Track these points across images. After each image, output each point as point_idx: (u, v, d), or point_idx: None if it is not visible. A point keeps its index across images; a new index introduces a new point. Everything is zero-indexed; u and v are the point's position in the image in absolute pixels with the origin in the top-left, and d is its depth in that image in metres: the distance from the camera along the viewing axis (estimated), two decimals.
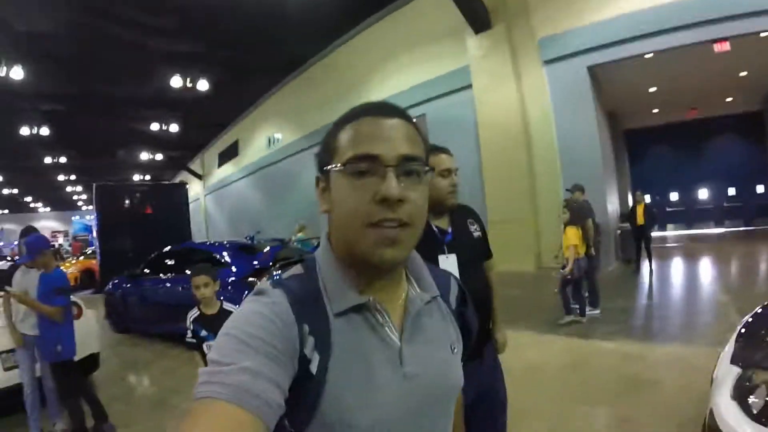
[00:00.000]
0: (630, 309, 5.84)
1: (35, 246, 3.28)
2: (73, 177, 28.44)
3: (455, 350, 0.79)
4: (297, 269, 0.75)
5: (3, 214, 39.10)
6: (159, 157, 23.85)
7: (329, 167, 0.69)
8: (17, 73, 11.76)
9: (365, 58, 12.40)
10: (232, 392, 0.55)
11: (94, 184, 13.30)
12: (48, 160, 23.10)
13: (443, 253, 1.84)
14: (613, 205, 8.98)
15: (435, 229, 1.86)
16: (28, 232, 3.94)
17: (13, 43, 11.01)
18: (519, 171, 8.78)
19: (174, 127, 18.45)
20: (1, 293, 3.59)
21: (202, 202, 26.12)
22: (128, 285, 7.13)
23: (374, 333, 0.70)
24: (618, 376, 3.75)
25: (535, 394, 3.53)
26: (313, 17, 10.56)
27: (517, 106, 8.75)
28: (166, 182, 23.11)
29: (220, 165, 23.29)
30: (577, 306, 5.42)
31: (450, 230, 1.90)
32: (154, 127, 18.27)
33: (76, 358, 3.58)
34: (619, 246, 9.15)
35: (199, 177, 26.14)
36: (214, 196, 24.41)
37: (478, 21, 8.76)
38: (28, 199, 36.96)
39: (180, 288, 5.94)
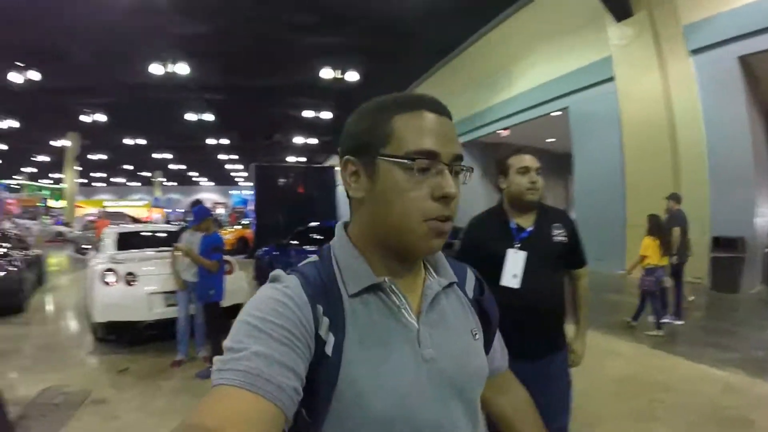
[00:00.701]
0: (755, 338, 5.59)
1: (200, 214, 4.84)
2: (233, 156, 33.59)
3: (477, 336, 0.83)
4: (313, 258, 0.80)
5: (172, 185, 47.45)
6: (312, 141, 26.74)
7: (385, 156, 0.72)
8: (183, 68, 14.94)
9: (506, 48, 12.88)
10: (243, 378, 0.58)
11: (254, 164, 16.03)
12: (211, 141, 27.80)
13: (514, 247, 2.02)
14: (765, 218, 8.36)
15: (513, 224, 2.06)
16: (197, 203, 5.36)
17: (178, 43, 13.92)
18: (663, 173, 8.67)
19: (326, 114, 20.67)
20: (171, 248, 5.18)
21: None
22: (276, 252, 9.01)
23: (391, 315, 0.73)
24: (711, 408, 3.69)
25: (615, 408, 3.70)
26: (459, 4, 11.42)
27: (662, 100, 8.65)
28: (317, 165, 25.34)
29: None
30: (655, 318, 5.80)
31: (529, 229, 2.05)
32: (308, 114, 20.72)
33: (225, 305, 4.95)
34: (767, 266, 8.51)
35: None
36: None
37: (619, 7, 8.87)
38: (193, 173, 44.32)
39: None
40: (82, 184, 41.57)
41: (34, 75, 15.23)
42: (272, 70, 16.29)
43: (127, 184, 48.33)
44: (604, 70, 9.77)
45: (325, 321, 0.69)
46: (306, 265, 0.77)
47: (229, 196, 45.45)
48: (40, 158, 32.62)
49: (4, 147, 27.48)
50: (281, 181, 15.79)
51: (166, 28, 13.09)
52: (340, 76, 15.64)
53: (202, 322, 4.93)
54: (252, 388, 0.57)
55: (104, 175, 43.33)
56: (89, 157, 31.80)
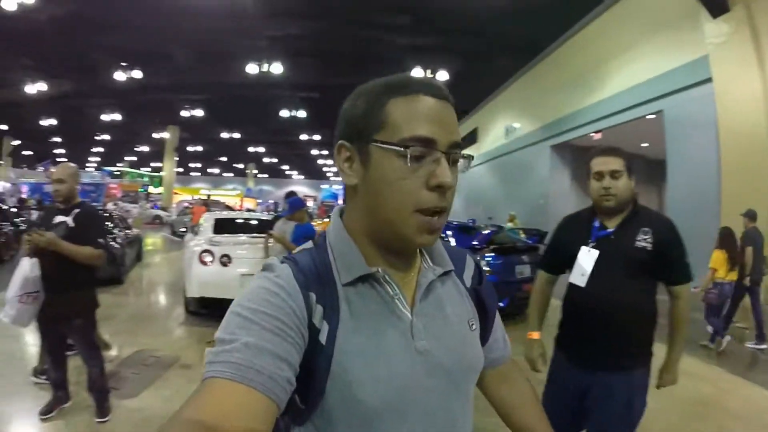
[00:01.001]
0: None
1: (295, 205, 5.50)
2: (325, 152, 35.36)
3: (473, 327, 0.85)
4: (307, 245, 0.82)
5: (265, 177, 50.79)
6: None
7: (377, 142, 0.72)
8: (277, 68, 16.20)
9: (597, 48, 12.69)
10: (235, 370, 0.59)
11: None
12: (304, 137, 29.54)
13: (588, 245, 2.02)
14: None
15: (596, 223, 2.05)
16: (291, 194, 5.96)
17: (273, 44, 15.10)
18: (763, 182, 8.30)
19: None
20: (264, 235, 5.88)
21: None
22: None
23: (384, 305, 0.75)
24: None
25: (680, 430, 3.72)
26: (549, 3, 11.50)
27: (763, 101, 8.26)
28: None
29: None
30: (714, 331, 5.79)
31: (610, 230, 2.01)
32: None
33: None
34: None
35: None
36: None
37: (715, 3, 8.55)
38: (285, 167, 47.21)
39: None
40: (179, 173, 45.66)
41: (137, 74, 17.26)
42: (363, 69, 16.73)
43: (222, 174, 52.39)
44: (701, 70, 9.41)
45: (319, 309, 0.70)
46: (301, 253, 0.79)
47: (320, 190, 47.84)
48: (141, 148, 36.47)
49: (108, 137, 31.12)
50: None
51: (261, 30, 14.32)
52: (430, 75, 15.96)
53: None
54: (244, 380, 0.58)
55: (200, 165, 47.41)
56: (187, 148, 35.17)
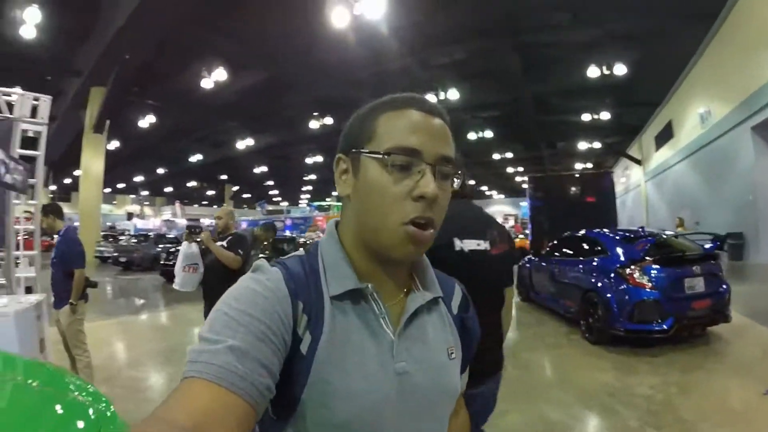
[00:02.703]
0: None
1: None
2: (520, 168, 35.24)
3: (453, 356, 0.85)
4: (299, 252, 0.83)
5: (463, 200, 52.64)
6: (596, 144, 26.49)
7: (362, 151, 0.76)
8: (453, 94, 17.17)
9: None
10: (217, 372, 0.59)
11: (528, 176, 17.02)
12: (496, 156, 30.02)
13: None
14: None
15: None
16: None
17: (444, 73, 16.19)
18: None
19: (605, 115, 20.39)
20: None
21: (642, 189, 26.60)
22: (536, 261, 9.52)
23: (368, 323, 0.76)
24: None
25: None
26: None
27: None
28: (592, 171, 24.43)
29: (657, 148, 22.80)
30: None
31: None
32: (585, 117, 20.72)
33: None
34: None
35: (638, 162, 26.50)
36: (655, 182, 24.32)
37: None
38: (484, 188, 47.95)
39: (568, 270, 7.69)
40: None
41: (328, 120, 20.07)
42: (538, 78, 17.10)
43: None
44: None
45: (304, 318, 0.71)
46: (291, 259, 0.79)
47: (519, 208, 47.32)
48: None
49: (314, 176, 37.27)
50: (556, 190, 16.22)
51: (429, 61, 15.57)
52: (607, 72, 15.29)
53: None
54: (225, 383, 0.58)
55: None
56: None
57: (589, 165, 32.45)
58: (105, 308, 9.86)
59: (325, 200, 45.01)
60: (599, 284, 6.55)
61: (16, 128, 4.49)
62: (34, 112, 4.66)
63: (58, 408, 1.83)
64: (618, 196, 29.65)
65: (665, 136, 21.29)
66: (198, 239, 4.36)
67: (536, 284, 9.21)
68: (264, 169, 33.02)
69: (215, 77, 14.89)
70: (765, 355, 5.42)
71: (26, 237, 5.04)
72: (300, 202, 49.61)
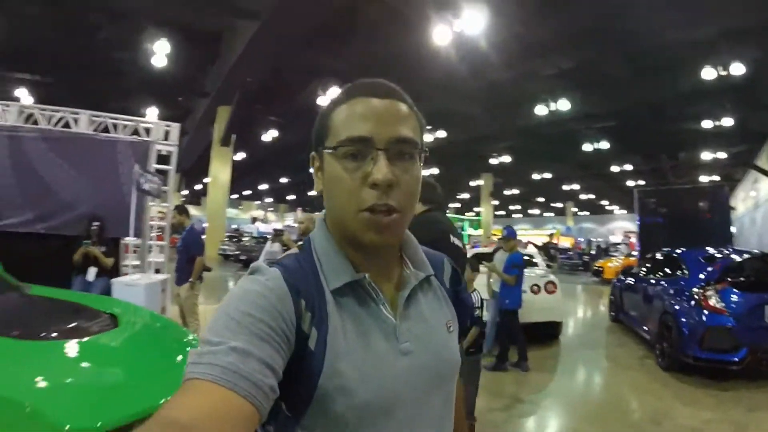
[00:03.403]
0: None
1: (507, 235, 6.60)
2: (641, 182, 33.59)
3: (451, 329, 0.90)
4: (293, 250, 0.86)
5: (585, 215, 50.38)
6: (721, 155, 24.71)
7: (321, 148, 0.80)
8: (564, 104, 17.09)
9: None
10: (219, 373, 0.59)
11: (635, 190, 16.59)
12: (614, 168, 29.25)
13: None
14: None
15: None
16: (509, 227, 6.85)
17: (553, 83, 16.20)
18: None
19: (727, 121, 19.10)
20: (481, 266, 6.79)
21: None
22: (626, 280, 9.23)
23: (369, 310, 0.79)
24: None
25: None
26: None
27: None
28: (705, 184, 22.61)
29: None
30: None
31: None
32: (706, 124, 19.51)
33: (535, 320, 6.64)
34: None
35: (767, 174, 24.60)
36: None
37: None
38: (604, 202, 46.02)
39: (649, 290, 7.46)
40: (501, 216, 50.81)
41: (441, 133, 20.82)
42: (651, 85, 16.52)
43: (543, 215, 54.18)
44: None
45: (308, 316, 0.73)
46: (288, 258, 0.82)
47: None
48: (462, 195, 42.45)
49: None
50: (665, 204, 15.60)
51: (537, 72, 15.74)
52: (723, 72, 14.28)
53: (494, 325, 6.52)
54: (228, 384, 0.59)
55: (519, 207, 50.67)
56: (504, 192, 38.44)
57: (716, 177, 30.20)
58: (221, 296, 11.69)
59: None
60: (675, 306, 6.23)
61: (152, 149, 5.94)
62: (166, 136, 6.11)
63: (170, 339, 2.98)
64: (747, 212, 27.18)
65: None
66: (281, 239, 5.49)
67: (625, 304, 8.97)
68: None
69: (330, 95, 16.27)
70: None
71: (158, 232, 6.62)
72: None
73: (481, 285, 7.13)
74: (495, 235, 38.25)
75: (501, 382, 5.84)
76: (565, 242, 35.62)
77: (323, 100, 16.36)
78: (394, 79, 0.83)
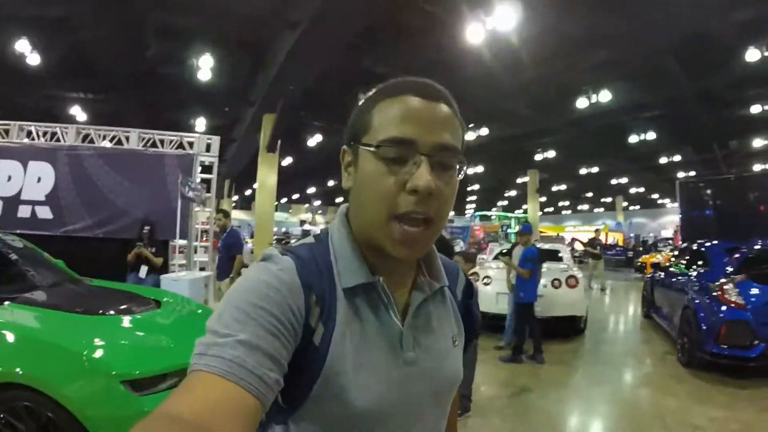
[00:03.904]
0: None
1: (523, 230, 7.03)
2: (692, 172, 32.62)
3: (456, 343, 0.90)
4: (308, 239, 0.85)
5: (636, 210, 49.33)
6: None
7: (359, 144, 0.76)
8: (606, 96, 16.98)
9: None
10: (226, 366, 0.60)
11: (678, 181, 16.27)
12: (663, 160, 28.95)
13: None
14: None
15: None
16: (526, 221, 7.35)
17: (592, 75, 16.09)
18: None
19: None
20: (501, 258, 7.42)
21: None
22: (658, 274, 9.21)
23: (378, 314, 0.79)
24: None
25: None
26: None
27: None
28: (755, 173, 21.61)
29: None
30: None
31: None
32: (756, 109, 18.94)
33: (559, 315, 7.03)
34: None
35: None
36: None
37: None
38: (655, 195, 44.99)
39: (675, 284, 7.58)
40: (550, 213, 51.63)
41: (485, 131, 20.87)
42: (697, 70, 16.13)
43: (594, 210, 53.09)
44: None
45: (317, 310, 0.73)
46: (302, 247, 0.81)
47: None
48: (510, 193, 42.67)
49: (478, 186, 38.38)
50: (711, 196, 14.99)
51: (577, 64, 15.54)
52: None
53: (512, 318, 6.90)
54: (233, 378, 0.59)
55: (568, 203, 50.39)
56: (552, 188, 38.41)
57: None
58: None
59: (490, 210, 46.10)
60: (696, 301, 6.23)
61: (196, 160, 6.71)
62: (208, 147, 6.86)
63: (204, 321, 3.92)
64: None
65: None
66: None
67: (656, 300, 9.09)
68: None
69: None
70: None
71: (204, 237, 7.42)
72: (466, 211, 51.38)
73: (501, 279, 7.55)
74: (542, 232, 38.03)
75: (514, 373, 6.14)
76: (615, 238, 34.99)
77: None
78: (436, 79, 0.84)
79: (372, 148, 0.73)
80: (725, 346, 5.48)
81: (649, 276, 10.24)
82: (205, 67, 14.24)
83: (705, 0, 11.92)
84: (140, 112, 18.05)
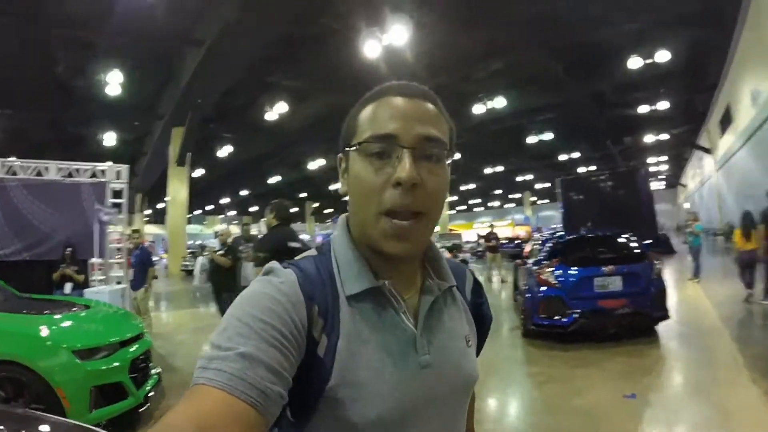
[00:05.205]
0: None
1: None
2: (592, 167, 34.94)
3: (470, 343, 0.88)
4: (311, 252, 0.85)
5: (545, 203, 53.71)
6: (664, 136, 26.45)
7: (348, 147, 0.78)
8: (500, 102, 18.84)
9: None
10: (227, 380, 0.59)
11: (559, 178, 17.95)
12: (563, 157, 31.50)
13: None
14: None
15: None
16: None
17: (486, 85, 17.89)
18: None
19: (663, 104, 20.69)
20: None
21: (714, 180, 25.76)
22: (522, 262, 9.74)
23: (388, 319, 0.77)
24: None
25: None
26: None
27: None
28: (622, 169, 23.06)
29: (721, 135, 21.91)
30: None
31: None
32: (643, 108, 20.96)
33: None
34: None
35: (708, 151, 25.71)
36: (723, 171, 23.19)
37: None
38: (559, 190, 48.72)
39: (526, 270, 8.32)
40: (462, 210, 56.22)
41: None
42: (586, 75, 17.96)
43: (504, 206, 56.90)
44: None
45: (320, 322, 0.72)
46: (304, 260, 0.81)
47: None
48: None
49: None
50: (586, 191, 16.66)
51: (470, 75, 17.32)
52: (650, 60, 15.61)
53: None
54: (235, 391, 0.59)
55: (479, 201, 54.24)
56: (461, 188, 41.48)
57: (664, 158, 32.88)
58: (180, 304, 13.67)
59: None
60: (527, 283, 7.59)
61: (107, 187, 7.72)
62: (118, 175, 7.97)
63: (124, 318, 4.96)
64: (696, 189, 28.22)
65: (726, 120, 20.17)
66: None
67: (519, 285, 9.73)
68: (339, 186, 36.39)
69: (278, 110, 17.90)
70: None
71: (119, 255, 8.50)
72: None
73: None
74: (452, 229, 40.54)
75: None
76: (522, 231, 37.91)
77: (271, 115, 18.04)
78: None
79: (356, 147, 0.75)
80: (545, 317, 6.70)
81: (519, 263, 11.14)
82: (113, 81, 14.71)
83: (590, 12, 13.48)
84: (46, 128, 18.41)
